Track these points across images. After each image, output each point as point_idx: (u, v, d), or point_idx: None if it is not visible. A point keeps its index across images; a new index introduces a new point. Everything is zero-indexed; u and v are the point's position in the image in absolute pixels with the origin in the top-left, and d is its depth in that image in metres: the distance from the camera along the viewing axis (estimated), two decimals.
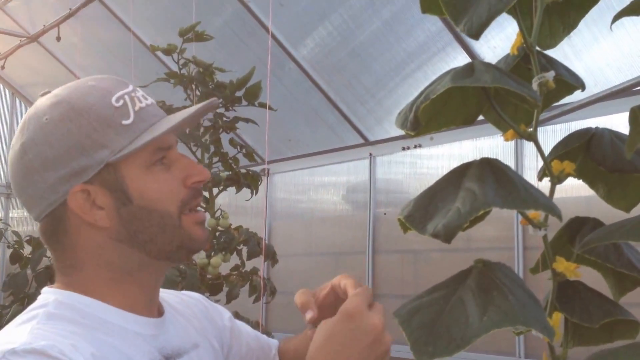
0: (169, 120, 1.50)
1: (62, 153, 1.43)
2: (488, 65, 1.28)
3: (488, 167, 1.27)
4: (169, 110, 4.89)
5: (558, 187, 1.45)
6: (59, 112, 1.45)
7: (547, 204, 1.22)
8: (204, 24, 4.85)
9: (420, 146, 5.74)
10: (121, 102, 1.47)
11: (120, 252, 1.50)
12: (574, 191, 4.66)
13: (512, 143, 5.00)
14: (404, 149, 5.87)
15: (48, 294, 1.49)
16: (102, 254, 1.49)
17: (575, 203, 4.54)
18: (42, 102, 1.50)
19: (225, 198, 5.30)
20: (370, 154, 6.17)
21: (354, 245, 6.23)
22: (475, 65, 1.28)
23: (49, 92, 1.52)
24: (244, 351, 1.88)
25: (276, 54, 5.83)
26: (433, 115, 1.43)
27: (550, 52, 1.52)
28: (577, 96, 4.27)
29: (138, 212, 1.48)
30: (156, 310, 1.61)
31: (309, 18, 5.66)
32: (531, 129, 1.39)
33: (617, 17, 1.42)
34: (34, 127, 1.46)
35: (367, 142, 6.21)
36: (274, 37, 5.72)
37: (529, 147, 4.85)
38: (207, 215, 5.00)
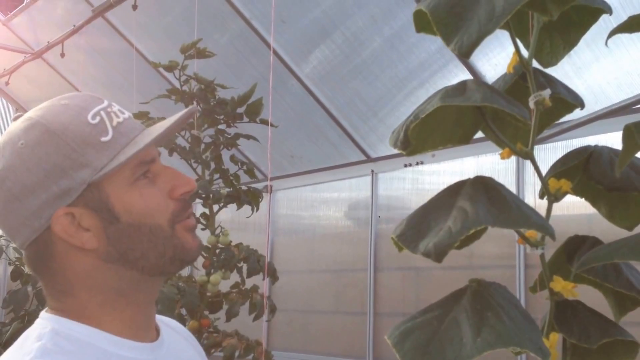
0: (150, 133, 1.45)
1: (41, 177, 1.37)
2: (480, 84, 1.28)
3: (481, 186, 1.27)
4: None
5: (561, 204, 1.45)
6: (34, 135, 1.39)
7: (539, 222, 1.21)
8: (207, 41, 4.86)
9: (422, 163, 5.73)
10: (97, 118, 1.41)
11: (111, 273, 1.44)
12: (576, 209, 4.66)
13: (513, 160, 4.99)
14: (405, 165, 5.87)
15: (45, 321, 1.44)
16: (92, 277, 1.44)
17: (577, 221, 4.54)
18: (16, 126, 1.44)
19: (228, 214, 5.30)
20: (372, 171, 6.17)
21: (355, 262, 6.22)
22: (467, 84, 1.28)
23: (21, 115, 1.47)
24: None
25: (279, 71, 5.83)
26: (429, 134, 1.43)
27: (550, 71, 1.51)
28: (578, 114, 4.28)
29: (126, 230, 1.42)
30: (153, 332, 1.56)
31: (312, 36, 5.67)
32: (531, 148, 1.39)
33: (612, 34, 1.41)
34: (10, 153, 1.39)
35: (369, 159, 6.21)
36: (276, 54, 5.72)
37: (530, 164, 4.84)
38: (207, 233, 5.00)
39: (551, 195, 1.43)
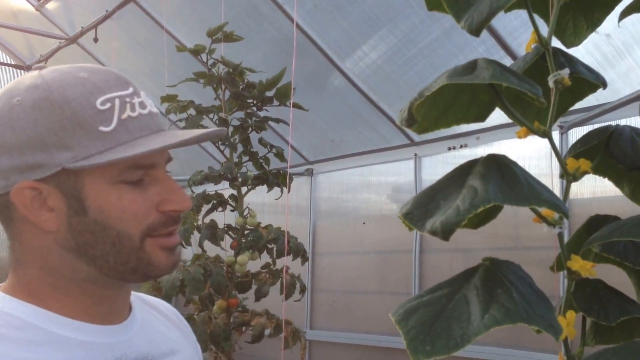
0: (157, 140, 1.34)
1: (21, 141, 1.29)
2: (490, 62, 1.29)
3: (494, 164, 1.27)
4: (198, 110, 4.95)
5: (590, 186, 1.46)
6: (33, 97, 1.30)
7: (551, 200, 1.22)
8: (251, 33, 4.88)
9: (466, 146, 5.70)
10: (108, 105, 1.32)
11: (66, 261, 1.36)
12: (609, 191, 4.64)
13: (557, 142, 4.96)
14: (449, 149, 5.85)
15: None
16: (45, 258, 1.36)
17: (608, 203, 4.52)
18: (23, 79, 1.36)
19: (270, 197, 5.34)
20: (416, 155, 6.16)
21: (400, 244, 6.22)
22: (478, 62, 1.29)
23: (42, 66, 1.39)
24: None
25: (322, 65, 5.86)
26: (442, 112, 1.44)
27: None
28: (616, 96, 4.24)
29: (91, 226, 1.33)
30: (121, 315, 1.47)
31: (358, 32, 5.68)
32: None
33: (624, 14, 1.43)
34: (3, 106, 1.32)
35: (412, 143, 6.19)
36: (319, 48, 5.76)
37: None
38: (235, 214, 5.05)
39: (569, 174, 1.43)
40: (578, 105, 1.56)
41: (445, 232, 1.15)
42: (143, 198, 1.35)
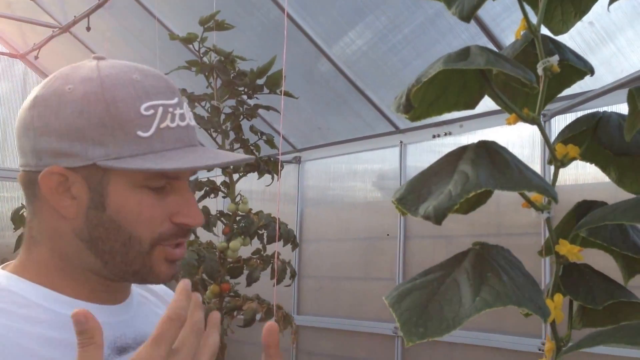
0: (188, 157, 1.37)
1: (62, 129, 1.32)
2: (483, 48, 1.28)
3: (484, 150, 1.27)
4: (190, 98, 4.96)
5: (581, 173, 1.46)
6: (84, 89, 1.33)
7: (541, 185, 1.22)
8: (239, 20, 4.88)
9: (450, 134, 5.71)
10: (151, 111, 1.34)
11: (76, 248, 1.39)
12: (591, 178, 4.65)
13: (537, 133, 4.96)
14: (434, 136, 5.85)
15: None
16: (58, 241, 1.40)
17: (589, 189, 4.53)
18: (81, 67, 1.39)
19: (259, 185, 5.34)
20: (401, 142, 6.16)
21: (384, 231, 6.23)
22: (471, 49, 1.28)
23: (102, 57, 1.42)
24: None
25: (310, 52, 5.85)
26: (434, 100, 1.43)
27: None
28: (601, 83, 4.24)
29: (107, 223, 1.36)
30: (121, 296, 1.51)
31: (345, 18, 5.66)
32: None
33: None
34: (54, 90, 1.35)
35: (397, 130, 6.20)
36: (306, 34, 5.74)
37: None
38: (227, 201, 5.06)
39: (558, 160, 1.43)
40: (562, 92, 1.56)
41: (438, 217, 1.15)
42: (160, 206, 1.38)
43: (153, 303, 1.62)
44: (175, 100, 1.39)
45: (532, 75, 1.31)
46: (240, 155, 1.44)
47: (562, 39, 1.52)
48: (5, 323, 1.29)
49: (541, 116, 3.69)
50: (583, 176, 4.69)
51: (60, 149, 1.33)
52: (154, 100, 1.35)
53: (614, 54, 4.46)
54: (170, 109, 1.37)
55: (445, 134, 5.76)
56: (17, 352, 1.27)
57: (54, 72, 1.42)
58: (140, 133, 1.32)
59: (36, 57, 8.67)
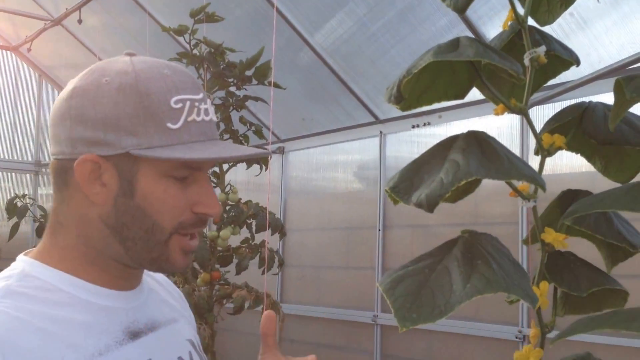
0: (213, 149, 1.42)
1: (98, 118, 1.36)
2: (473, 40, 1.27)
3: (474, 140, 1.27)
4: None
5: (565, 163, 1.45)
6: (120, 81, 1.37)
7: (530, 174, 1.21)
8: (220, 9, 4.86)
9: (429, 124, 5.70)
10: (179, 105, 1.39)
11: (102, 234, 1.43)
12: (567, 168, 4.66)
13: (518, 120, 4.96)
14: (413, 127, 5.83)
15: (18, 262, 1.45)
16: (85, 227, 1.43)
17: (577, 179, 4.53)
18: (115, 61, 1.43)
19: (244, 175, 5.33)
20: (381, 132, 6.14)
21: (365, 221, 6.22)
22: (460, 41, 1.27)
23: (133, 54, 1.46)
24: None
25: (291, 39, 5.82)
26: (424, 90, 1.42)
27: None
28: (583, 72, 4.22)
29: (134, 209, 1.41)
30: (135, 282, 1.55)
31: (327, 6, 5.64)
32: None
33: None
34: (92, 81, 1.39)
35: (377, 121, 6.17)
36: (289, 23, 5.71)
37: (535, 124, 4.82)
38: (217, 191, 5.06)
39: (544, 150, 1.43)
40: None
41: (430, 204, 1.14)
42: (183, 195, 1.43)
43: (162, 291, 1.68)
44: (201, 96, 1.44)
45: (519, 67, 1.32)
46: (258, 150, 1.50)
47: (534, 25, 1.52)
48: (30, 308, 1.33)
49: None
50: (560, 167, 4.69)
51: (94, 138, 1.37)
52: (182, 94, 1.40)
53: (591, 44, 4.45)
54: (197, 104, 1.42)
55: (425, 125, 5.75)
56: (40, 336, 1.30)
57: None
58: (170, 125, 1.37)
59: (28, 50, 8.63)
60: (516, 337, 4.78)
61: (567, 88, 4.22)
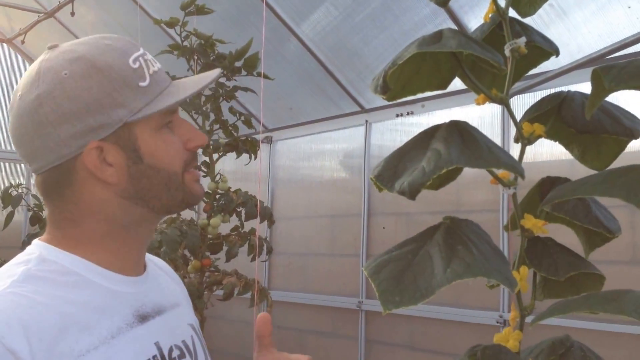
0: (183, 87, 1.49)
1: (81, 109, 1.38)
2: (455, 32, 1.28)
3: (456, 129, 1.28)
4: (173, 80, 4.97)
5: (548, 150, 1.46)
6: (80, 68, 1.40)
7: (509, 162, 1.22)
8: (212, 1, 4.86)
9: (412, 113, 5.72)
10: (138, 63, 1.44)
11: (122, 208, 1.48)
12: (546, 155, 4.68)
13: (499, 110, 4.98)
14: (397, 115, 5.86)
15: (35, 247, 1.48)
16: (104, 209, 1.47)
17: (560, 166, 4.55)
18: (56, 56, 1.44)
19: (232, 165, 5.34)
20: (366, 121, 6.16)
21: (350, 208, 6.24)
22: (443, 33, 1.28)
23: (57, 45, 1.47)
24: None
25: (278, 30, 5.82)
26: (407, 81, 1.43)
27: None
28: (563, 62, 4.23)
29: (147, 171, 1.46)
30: (141, 268, 1.60)
31: None
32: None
33: None
34: (52, 80, 1.40)
35: (362, 110, 6.19)
36: (275, 12, 5.70)
37: (515, 113, 4.84)
38: (207, 180, 5.08)
39: (524, 138, 1.44)
40: None
41: (412, 192, 1.15)
42: (177, 139, 1.51)
43: (164, 277, 1.74)
44: (142, 50, 1.49)
45: (500, 58, 1.32)
46: (215, 72, 1.57)
47: (515, 16, 1.53)
48: (49, 291, 1.37)
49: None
50: (540, 154, 4.72)
51: (86, 127, 1.40)
52: (132, 54, 1.45)
53: (570, 34, 4.47)
54: (145, 57, 1.48)
55: (408, 114, 5.78)
56: (58, 318, 1.33)
57: (39, 56, 1.46)
58: (141, 84, 1.43)
59: (22, 42, 8.62)
60: (497, 322, 4.81)
61: (547, 77, 4.25)
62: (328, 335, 6.49)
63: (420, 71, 1.43)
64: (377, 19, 5.35)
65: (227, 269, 5.15)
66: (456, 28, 4.84)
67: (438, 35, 1.27)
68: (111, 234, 1.49)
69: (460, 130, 1.27)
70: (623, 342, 4.30)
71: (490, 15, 1.47)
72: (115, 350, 1.39)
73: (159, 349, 1.50)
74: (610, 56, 3.98)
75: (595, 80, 1.26)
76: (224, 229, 5.17)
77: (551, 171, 1.63)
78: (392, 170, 1.25)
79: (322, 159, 6.79)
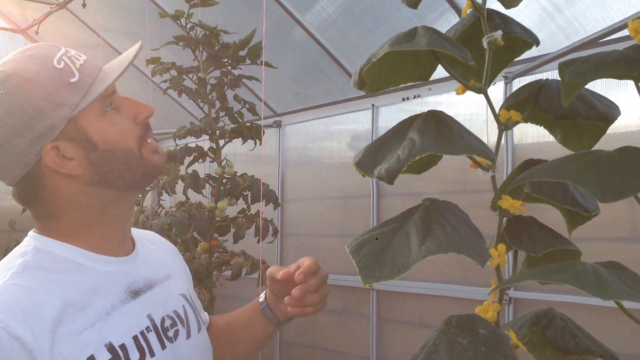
0: (111, 70, 1.57)
1: (25, 120, 1.49)
2: (428, 30, 1.35)
3: (432, 119, 1.35)
4: (178, 70, 5.03)
5: (535, 132, 1.52)
6: (12, 84, 1.49)
7: (480, 149, 1.30)
8: None
9: (419, 96, 5.73)
10: (62, 63, 1.53)
11: (94, 194, 1.58)
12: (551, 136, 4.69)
13: (501, 90, 4.98)
14: (403, 99, 5.87)
15: (30, 239, 1.60)
16: (78, 200, 1.58)
17: (549, 147, 4.57)
18: None
19: (243, 148, 5.39)
20: (373, 105, 6.17)
21: (359, 190, 6.26)
22: (417, 30, 1.35)
23: None
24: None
25: (283, 19, 5.84)
26: (391, 74, 1.51)
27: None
28: (553, 48, 4.25)
29: (105, 155, 1.55)
30: (129, 247, 1.72)
31: None
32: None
33: None
34: None
35: (369, 94, 6.20)
36: (280, 3, 5.73)
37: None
38: (214, 165, 5.15)
39: (501, 124, 1.50)
40: (522, 56, 1.62)
41: (389, 177, 1.24)
42: (124, 118, 1.59)
43: (154, 251, 1.84)
44: (64, 49, 1.58)
45: (467, 54, 1.38)
46: (135, 46, 1.63)
47: (521, 4, 1.58)
48: (48, 280, 1.49)
49: (503, 79, 3.70)
50: (544, 133, 4.71)
51: (37, 134, 1.50)
52: (54, 56, 1.54)
53: (571, 19, 4.48)
54: (68, 54, 1.57)
55: (415, 97, 5.78)
56: (57, 302, 1.45)
57: None
58: (72, 80, 1.52)
59: (36, 32, 8.66)
60: (503, 300, 4.84)
61: (546, 60, 4.29)
62: (340, 314, 6.52)
63: (401, 65, 1.49)
64: (381, 6, 5.37)
65: (235, 250, 5.26)
66: (457, 16, 4.90)
67: (413, 33, 1.35)
68: (91, 221, 1.60)
69: (436, 120, 1.35)
70: (612, 317, 4.33)
71: (468, 11, 1.54)
72: (110, 325, 1.51)
73: (152, 320, 1.62)
74: (607, 38, 4.00)
75: (560, 73, 1.34)
76: (232, 211, 5.26)
77: (541, 153, 1.67)
78: (372, 158, 1.34)
79: (330, 141, 6.80)
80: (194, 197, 5.21)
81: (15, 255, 1.55)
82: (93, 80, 1.55)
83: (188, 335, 1.73)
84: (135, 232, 1.82)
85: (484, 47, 1.47)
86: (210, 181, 5.25)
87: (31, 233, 1.62)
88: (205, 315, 2.01)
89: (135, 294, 1.62)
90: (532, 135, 4.75)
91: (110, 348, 1.48)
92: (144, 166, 1.62)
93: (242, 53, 5.05)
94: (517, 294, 4.76)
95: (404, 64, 1.50)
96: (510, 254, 1.52)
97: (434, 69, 1.55)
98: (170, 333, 1.66)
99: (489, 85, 1.55)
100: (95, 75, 1.56)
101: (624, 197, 1.15)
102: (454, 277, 5.31)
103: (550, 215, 1.63)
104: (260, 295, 2.00)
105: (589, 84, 1.39)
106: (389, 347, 6.01)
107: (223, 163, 5.18)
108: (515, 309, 4.80)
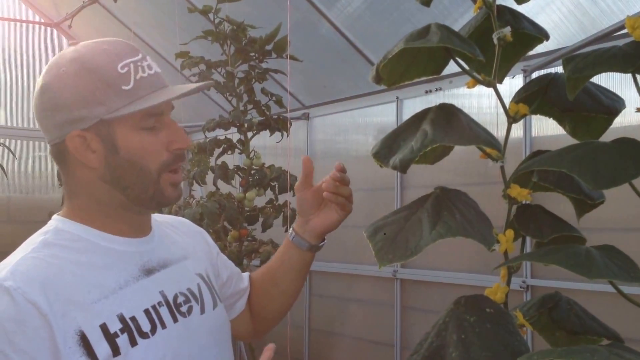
0: (164, 94, 1.63)
1: (69, 102, 1.59)
2: (440, 27, 1.42)
3: (443, 112, 1.43)
4: (207, 64, 5.09)
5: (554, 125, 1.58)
6: (74, 67, 1.60)
7: (486, 139, 1.36)
8: None
9: (440, 89, 5.76)
10: (126, 69, 1.60)
11: (104, 190, 1.67)
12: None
13: (521, 82, 5.01)
14: (426, 92, 5.89)
15: (53, 221, 1.70)
16: (90, 189, 1.67)
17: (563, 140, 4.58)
18: (65, 53, 1.66)
19: (273, 141, 5.43)
20: (397, 98, 6.19)
21: (385, 182, 6.29)
22: (430, 28, 1.42)
23: (76, 43, 1.68)
24: (225, 278, 2.06)
25: (311, 14, 5.87)
26: (406, 68, 1.58)
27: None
28: (566, 42, 4.22)
29: (122, 162, 1.63)
30: (146, 231, 1.79)
31: None
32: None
33: None
34: (53, 75, 1.62)
35: (393, 87, 6.20)
36: (310, 1, 5.78)
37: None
38: (243, 156, 5.22)
39: (510, 117, 1.55)
40: (541, 49, 1.65)
41: (402, 167, 1.32)
42: (157, 140, 1.65)
43: (172, 234, 1.90)
44: (140, 56, 1.65)
45: (475, 49, 1.44)
46: (199, 84, 1.70)
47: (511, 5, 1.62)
48: (64, 255, 1.59)
49: (522, 72, 3.70)
50: (544, 129, 4.76)
51: (72, 118, 1.60)
52: (124, 60, 1.61)
53: (604, 12, 4.47)
54: (139, 63, 1.63)
55: (437, 90, 5.79)
56: (71, 277, 1.56)
57: (85, 39, 1.69)
58: (124, 87, 1.59)
59: (69, 26, 8.72)
60: (520, 287, 4.85)
61: (563, 53, 4.30)
62: (366, 303, 6.55)
63: (416, 59, 1.56)
64: (405, 4, 5.39)
65: (264, 239, 5.34)
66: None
67: (425, 30, 1.42)
68: (101, 211, 1.69)
69: (446, 113, 1.42)
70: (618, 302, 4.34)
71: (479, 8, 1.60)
72: (123, 299, 1.60)
73: (164, 296, 1.70)
74: (622, 31, 4.00)
75: (564, 68, 1.40)
76: (260, 201, 5.31)
77: (557, 144, 1.71)
78: (387, 149, 1.42)
79: (356, 133, 6.80)
80: (223, 187, 5.28)
81: (38, 234, 1.66)
82: (144, 96, 1.61)
83: (202, 312, 1.80)
84: (155, 217, 1.90)
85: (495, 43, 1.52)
86: (239, 172, 5.30)
87: (55, 216, 1.72)
88: (245, 280, 2.15)
89: (149, 272, 1.70)
90: (550, 128, 4.77)
91: (122, 319, 1.57)
92: (155, 190, 1.68)
93: (269, 47, 5.10)
94: (534, 281, 4.77)
95: (418, 60, 1.56)
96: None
97: (446, 64, 1.61)
98: (184, 309, 1.74)
99: (503, 79, 1.61)
100: (150, 92, 1.63)
101: (616, 185, 1.21)
102: (474, 266, 5.34)
103: (563, 207, 1.68)
104: (289, 232, 2.15)
105: (604, 77, 1.43)
106: (413, 335, 6.04)
107: (251, 155, 5.24)
108: (533, 296, 4.82)
